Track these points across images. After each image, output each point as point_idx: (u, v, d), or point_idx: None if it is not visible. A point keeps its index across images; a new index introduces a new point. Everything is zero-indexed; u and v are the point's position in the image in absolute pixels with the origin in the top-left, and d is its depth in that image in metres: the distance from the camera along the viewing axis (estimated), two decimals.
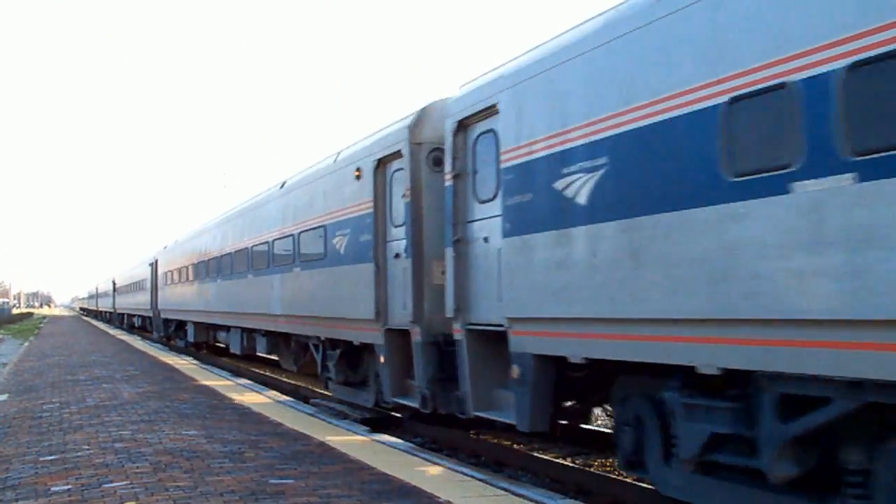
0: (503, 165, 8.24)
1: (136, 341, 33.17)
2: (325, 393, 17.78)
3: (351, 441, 9.44)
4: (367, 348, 12.24)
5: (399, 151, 10.66)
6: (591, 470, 9.10)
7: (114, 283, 59.48)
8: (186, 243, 28.47)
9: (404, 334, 10.64)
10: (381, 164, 11.28)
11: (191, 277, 26.71)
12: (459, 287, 9.10)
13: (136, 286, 45.24)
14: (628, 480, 8.38)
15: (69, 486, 6.86)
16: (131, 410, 11.50)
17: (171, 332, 32.54)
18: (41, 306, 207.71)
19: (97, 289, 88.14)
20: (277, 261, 16.29)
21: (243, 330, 20.24)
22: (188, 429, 9.85)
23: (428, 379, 10.04)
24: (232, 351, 22.20)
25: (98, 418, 10.73)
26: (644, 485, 8.11)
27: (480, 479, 7.36)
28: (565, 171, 7.21)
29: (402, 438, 10.43)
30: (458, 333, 9.11)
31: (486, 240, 8.74)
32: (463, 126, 9.20)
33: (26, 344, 34.58)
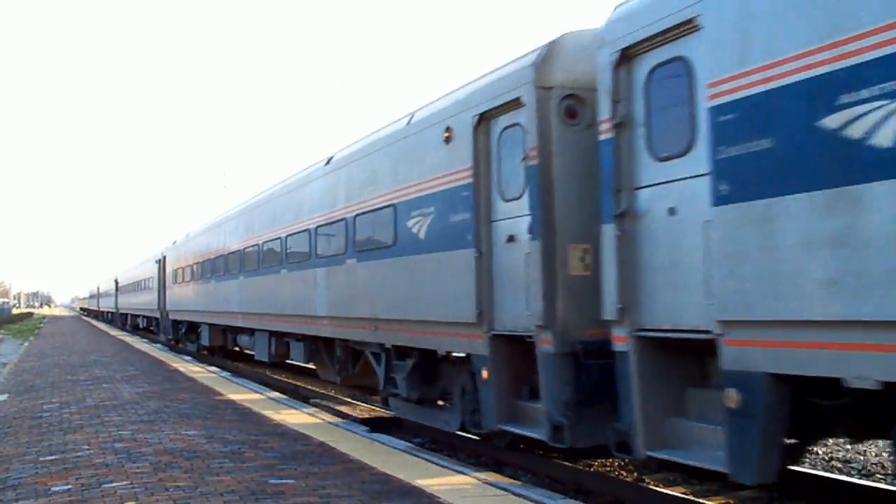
0: (710, 103, 5.93)
1: (140, 343, 32.54)
2: (327, 393, 17.64)
3: (351, 441, 9.43)
4: (451, 359, 9.95)
5: (517, 100, 8.17)
6: (591, 470, 9.11)
7: (116, 283, 57.81)
8: (201, 236, 25.47)
9: (517, 342, 8.47)
10: (484, 119, 8.82)
11: (206, 274, 23.85)
12: (625, 278, 6.79)
13: (141, 285, 42.39)
14: (628, 480, 8.39)
15: (69, 486, 6.85)
16: (131, 410, 11.48)
17: (182, 334, 29.89)
18: (41, 306, 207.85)
19: (98, 288, 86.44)
20: (322, 251, 13.63)
21: (272, 334, 17.45)
22: (188, 429, 9.84)
23: (563, 402, 7.71)
24: (257, 358, 19.10)
25: (98, 418, 10.71)
26: (644, 485, 8.12)
27: (480, 480, 7.35)
28: (848, 98, 4.94)
29: (402, 438, 10.42)
30: (623, 342, 6.81)
31: (671, 211, 6.47)
32: (628, 57, 6.86)
33: (26, 344, 34.48)
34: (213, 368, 19.79)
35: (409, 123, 10.70)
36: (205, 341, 25.45)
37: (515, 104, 8.26)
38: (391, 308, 10.85)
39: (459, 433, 12.02)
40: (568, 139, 7.93)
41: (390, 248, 10.89)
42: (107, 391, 13.99)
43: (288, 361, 18.91)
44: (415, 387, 10.67)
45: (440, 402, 10.87)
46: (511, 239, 8.43)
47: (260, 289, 17.73)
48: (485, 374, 8.74)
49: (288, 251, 15.65)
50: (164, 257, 33.05)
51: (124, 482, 6.90)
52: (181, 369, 18.96)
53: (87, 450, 8.44)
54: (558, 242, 7.86)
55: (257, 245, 18.03)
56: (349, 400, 15.62)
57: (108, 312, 70.66)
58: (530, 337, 8.06)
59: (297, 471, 7.53)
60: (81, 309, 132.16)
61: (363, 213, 11.87)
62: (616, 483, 8.29)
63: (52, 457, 8.17)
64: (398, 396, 11.32)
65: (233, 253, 20.50)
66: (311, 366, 16.96)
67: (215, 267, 22.68)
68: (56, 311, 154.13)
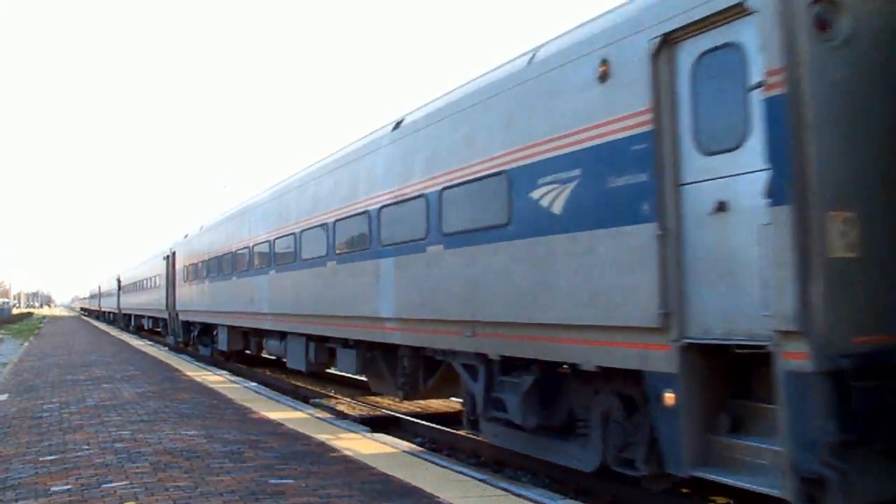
0: None
1: (146, 346, 32.24)
2: (326, 393, 16.98)
3: (351, 441, 9.43)
4: (586, 374, 7.56)
5: (738, 7, 5.92)
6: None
7: (119, 281, 56.13)
8: (218, 228, 22.74)
9: (716, 353, 6.32)
10: (669, 43, 6.52)
11: (225, 270, 21.18)
12: None
13: (146, 284, 39.49)
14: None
15: (69, 486, 6.87)
16: (131, 410, 11.50)
17: (195, 337, 27.04)
18: (41, 306, 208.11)
19: (100, 288, 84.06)
20: (390, 238, 11.01)
21: (310, 338, 15.00)
22: (188, 429, 9.85)
23: (825, 444, 5.38)
24: (290, 366, 16.68)
25: (98, 418, 10.73)
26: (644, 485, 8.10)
27: (480, 479, 7.37)
28: None
29: (402, 438, 10.42)
30: None
31: None
32: None
33: (26, 344, 34.64)
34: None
35: (530, 63, 8.25)
36: (222, 345, 22.76)
37: (732, 14, 6.04)
38: (502, 307, 8.42)
39: (449, 430, 12.08)
40: (821, 60, 5.68)
41: (501, 228, 8.40)
42: (107, 391, 14.02)
43: (331, 371, 17.23)
44: (533, 411, 8.22)
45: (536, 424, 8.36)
46: (721, 207, 6.09)
47: (297, 286, 15.05)
48: (669, 397, 6.37)
49: (337, 240, 12.99)
50: (174, 253, 30.38)
51: (124, 482, 6.92)
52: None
53: (87, 450, 8.46)
54: (814, 209, 5.55)
55: (294, 234, 15.26)
56: (349, 400, 15.61)
57: (109, 313, 69.38)
58: (760, 347, 5.75)
59: (297, 471, 7.53)
60: (82, 309, 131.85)
61: (455, 185, 9.35)
62: (616, 483, 8.27)
63: (52, 457, 8.18)
64: (496, 420, 8.99)
65: (260, 244, 17.76)
66: (362, 377, 14.96)
67: (237, 261, 19.96)
68: (56, 312, 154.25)
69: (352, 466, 7.87)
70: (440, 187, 9.65)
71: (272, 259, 16.76)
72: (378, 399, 15.73)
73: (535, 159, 7.88)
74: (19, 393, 14.70)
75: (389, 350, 11.80)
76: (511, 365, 8.59)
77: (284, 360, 17.57)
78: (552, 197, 7.62)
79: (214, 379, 17.07)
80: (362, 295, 11.83)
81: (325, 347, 14.43)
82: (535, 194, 7.84)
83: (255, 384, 16.45)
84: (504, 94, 8.53)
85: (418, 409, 14.04)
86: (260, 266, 17.76)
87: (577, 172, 7.31)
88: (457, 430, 11.75)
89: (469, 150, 9.09)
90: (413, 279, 10.32)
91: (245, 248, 19.16)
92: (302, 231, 14.77)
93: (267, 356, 21.86)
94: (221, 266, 21.73)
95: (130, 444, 8.71)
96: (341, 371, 14.07)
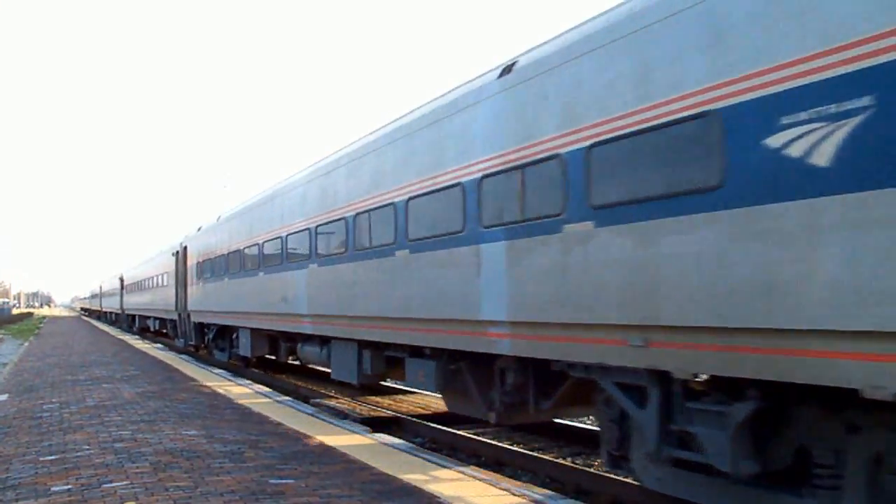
0: None
1: (147, 347, 31.67)
2: (327, 393, 16.89)
3: (351, 441, 9.45)
4: (825, 403, 5.68)
5: None
6: (591, 470, 9.10)
7: (121, 280, 54.68)
8: (241, 217, 20.13)
9: None
10: None
11: (249, 265, 18.75)
12: None
13: (152, 282, 36.71)
14: (628, 480, 8.38)
15: (69, 486, 6.89)
16: (131, 410, 11.52)
17: (210, 340, 24.66)
18: (41, 306, 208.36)
19: (101, 287, 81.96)
20: (495, 217, 8.59)
21: (363, 345, 12.64)
22: (188, 429, 9.86)
23: None
24: (335, 377, 13.94)
25: (98, 418, 10.75)
26: (643, 485, 8.11)
27: (480, 480, 7.38)
28: None
29: (402, 438, 10.42)
30: None
31: None
32: None
33: (26, 344, 34.63)
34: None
35: None
36: (244, 350, 20.03)
37: None
38: (703, 307, 5.98)
39: (449, 430, 12.05)
40: None
41: (706, 194, 5.97)
42: (107, 391, 14.05)
43: (391, 384, 15.69)
44: (748, 453, 5.99)
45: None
46: None
47: (349, 281, 12.53)
48: None
49: (411, 223, 10.47)
50: (185, 248, 27.69)
51: (124, 482, 6.94)
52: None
53: (87, 450, 8.47)
54: None
55: (345, 220, 12.73)
56: (349, 400, 15.61)
57: (112, 313, 67.71)
58: None
59: (298, 471, 7.54)
60: (82, 309, 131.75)
61: (612, 139, 6.94)
62: (616, 483, 8.29)
63: (52, 457, 8.20)
64: (671, 462, 6.73)
65: (297, 234, 15.21)
66: (436, 394, 12.68)
67: (265, 255, 17.41)
68: (56, 312, 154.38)
69: (352, 466, 7.88)
70: (586, 145, 7.25)
71: (313, 250, 14.23)
72: (378, 399, 15.74)
73: (775, 89, 5.50)
74: (19, 393, 14.71)
75: (480, 362, 9.65)
76: (690, 391, 6.46)
77: (325, 368, 15.12)
78: (810, 143, 5.22)
79: (215, 378, 17.06)
80: (452, 291, 9.43)
81: (382, 356, 12.27)
82: (775, 141, 5.45)
83: (250, 382, 16.37)
84: (703, 5, 6.09)
85: (419, 410, 14.04)
86: (296, 259, 15.20)
87: (865, 101, 4.93)
88: (457, 429, 11.78)
89: (639, 89, 6.63)
90: (537, 270, 7.90)
91: (276, 238, 16.52)
92: (357, 214, 12.23)
93: (293, 363, 20.08)
94: (245, 260, 19.16)
95: (131, 444, 8.73)
96: (411, 386, 11.55)
